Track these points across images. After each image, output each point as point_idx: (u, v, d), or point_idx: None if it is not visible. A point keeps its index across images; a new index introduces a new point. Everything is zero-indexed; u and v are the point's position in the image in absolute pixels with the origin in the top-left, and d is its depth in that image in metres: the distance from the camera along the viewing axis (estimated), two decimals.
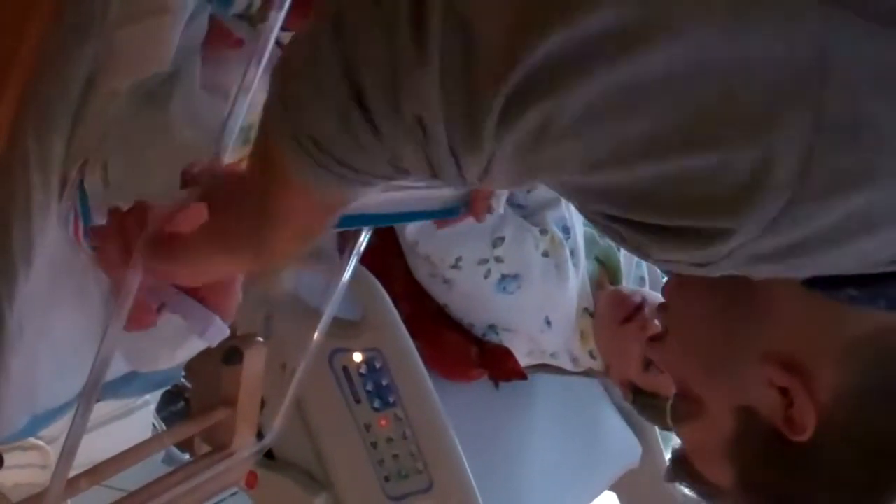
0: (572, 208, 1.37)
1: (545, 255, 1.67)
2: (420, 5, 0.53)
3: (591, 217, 0.63)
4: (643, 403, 1.72)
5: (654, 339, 0.86)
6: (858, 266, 0.63)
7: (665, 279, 0.88)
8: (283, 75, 0.62)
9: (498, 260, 1.64)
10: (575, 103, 0.53)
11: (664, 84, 0.52)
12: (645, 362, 1.65)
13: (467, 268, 1.63)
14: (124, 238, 0.78)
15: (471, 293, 1.67)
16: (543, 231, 1.69)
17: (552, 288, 1.69)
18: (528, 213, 1.73)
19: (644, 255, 0.64)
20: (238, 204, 0.73)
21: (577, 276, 1.73)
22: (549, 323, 1.72)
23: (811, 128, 0.52)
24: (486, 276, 1.64)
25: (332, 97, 0.58)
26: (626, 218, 0.60)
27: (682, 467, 0.85)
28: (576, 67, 0.52)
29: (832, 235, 0.57)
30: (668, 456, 2.14)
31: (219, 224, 0.74)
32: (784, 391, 0.73)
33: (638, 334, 1.66)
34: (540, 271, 1.67)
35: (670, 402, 0.84)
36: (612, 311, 1.73)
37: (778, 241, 0.57)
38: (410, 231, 1.62)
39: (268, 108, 0.64)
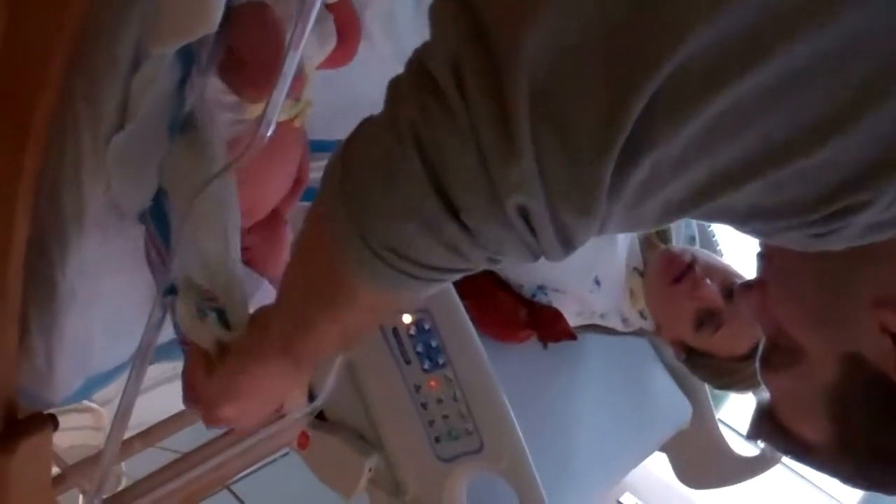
0: None
1: None
2: (502, 101, 0.53)
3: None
4: (696, 363, 1.70)
5: (747, 288, 0.83)
6: None
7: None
8: (350, 191, 0.62)
9: None
10: (678, 145, 0.53)
11: (771, 94, 0.52)
12: (697, 322, 1.64)
13: None
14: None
15: None
16: None
17: (601, 247, 1.68)
18: None
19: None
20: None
21: (626, 235, 1.71)
22: (598, 283, 1.71)
23: None
24: None
25: (421, 214, 0.59)
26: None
27: (769, 422, 0.81)
28: (673, 110, 0.52)
29: None
30: (718, 416, 2.13)
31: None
32: None
33: (689, 294, 1.65)
34: None
35: (761, 350, 0.81)
36: (662, 271, 1.71)
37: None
38: None
39: (329, 224, 0.65)
